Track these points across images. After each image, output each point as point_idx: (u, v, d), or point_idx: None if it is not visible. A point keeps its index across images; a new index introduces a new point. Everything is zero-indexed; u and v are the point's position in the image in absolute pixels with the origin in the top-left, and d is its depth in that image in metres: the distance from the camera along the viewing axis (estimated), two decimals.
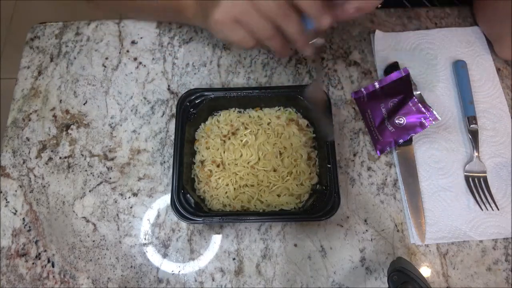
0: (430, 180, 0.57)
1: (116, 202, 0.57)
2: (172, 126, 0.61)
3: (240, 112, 0.60)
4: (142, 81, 0.64)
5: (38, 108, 0.63)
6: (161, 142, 0.60)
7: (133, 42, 0.67)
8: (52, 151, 0.60)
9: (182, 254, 0.54)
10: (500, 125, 0.60)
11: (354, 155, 0.59)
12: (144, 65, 0.65)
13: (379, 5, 0.66)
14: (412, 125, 0.55)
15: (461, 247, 0.54)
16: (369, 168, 0.58)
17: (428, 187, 0.56)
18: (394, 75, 0.58)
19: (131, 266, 0.54)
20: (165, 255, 0.54)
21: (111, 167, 0.59)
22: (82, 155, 0.60)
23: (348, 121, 0.61)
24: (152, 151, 0.60)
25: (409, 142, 0.58)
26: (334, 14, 0.42)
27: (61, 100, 0.64)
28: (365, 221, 0.55)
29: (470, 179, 0.56)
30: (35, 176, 0.59)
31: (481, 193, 0.55)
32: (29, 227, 0.56)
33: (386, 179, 0.57)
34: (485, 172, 0.56)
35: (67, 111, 0.63)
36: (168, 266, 0.54)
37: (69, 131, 0.62)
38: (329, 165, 0.51)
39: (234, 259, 0.54)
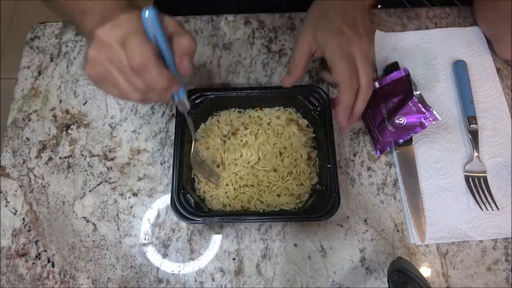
0: (430, 180, 0.57)
1: (116, 202, 0.57)
2: (172, 126, 0.61)
3: (240, 112, 0.60)
4: None
5: (38, 108, 0.63)
6: (161, 142, 0.60)
7: None
8: (52, 151, 0.60)
9: (182, 254, 0.54)
10: (500, 125, 0.60)
11: (354, 155, 0.59)
12: None
13: (379, 5, 0.66)
14: (412, 125, 0.55)
15: (461, 247, 0.54)
16: (369, 168, 0.58)
17: (428, 187, 0.56)
18: (394, 75, 0.58)
19: (131, 266, 0.54)
20: (165, 255, 0.54)
21: (111, 167, 0.59)
22: (82, 155, 0.60)
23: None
24: (152, 151, 0.60)
25: (409, 142, 0.58)
26: None
27: (61, 100, 0.64)
28: (365, 221, 0.55)
29: (470, 179, 0.56)
30: (35, 176, 0.59)
31: (481, 193, 0.55)
32: (29, 227, 0.56)
33: (386, 179, 0.57)
34: (485, 172, 0.56)
35: (67, 111, 0.63)
36: (168, 266, 0.54)
37: (69, 131, 0.62)
38: (329, 165, 0.51)
39: (234, 259, 0.54)
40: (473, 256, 0.53)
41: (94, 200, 0.57)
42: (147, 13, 0.36)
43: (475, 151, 0.57)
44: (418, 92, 0.56)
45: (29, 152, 0.60)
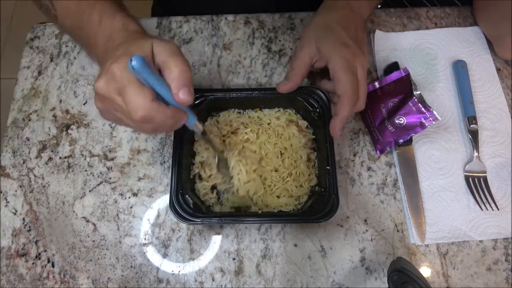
0: (430, 180, 0.57)
1: (116, 202, 0.57)
2: None
3: (239, 113, 0.60)
4: None
5: (38, 108, 0.63)
6: (161, 142, 0.60)
7: None
8: (52, 151, 0.60)
9: (182, 254, 0.54)
10: (500, 125, 0.60)
11: (354, 155, 0.59)
12: None
13: (379, 5, 0.66)
14: (412, 125, 0.55)
15: (461, 247, 0.54)
16: (369, 168, 0.58)
17: (428, 187, 0.56)
18: (394, 75, 0.58)
19: (131, 266, 0.54)
20: (165, 255, 0.54)
21: (111, 167, 0.59)
22: (82, 155, 0.60)
23: (348, 121, 0.61)
24: (152, 151, 0.60)
25: (409, 142, 0.58)
26: None
27: (61, 100, 0.64)
28: (365, 221, 0.55)
29: (470, 179, 0.56)
30: (35, 176, 0.59)
31: (481, 193, 0.55)
32: (29, 227, 0.56)
33: (386, 179, 0.57)
34: (485, 172, 0.56)
35: (67, 111, 0.63)
36: (168, 266, 0.54)
37: (69, 131, 0.62)
38: (328, 167, 0.51)
39: (234, 259, 0.54)
40: (473, 256, 0.53)
41: (94, 200, 0.57)
42: (133, 64, 0.35)
43: (475, 151, 0.57)
44: (418, 92, 0.56)
45: (29, 152, 0.60)
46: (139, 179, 0.58)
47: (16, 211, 0.57)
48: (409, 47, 0.65)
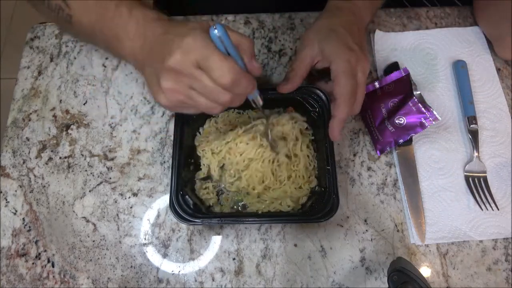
0: (430, 180, 0.57)
1: (116, 202, 0.57)
2: (172, 126, 0.61)
3: (239, 113, 0.59)
4: (142, 81, 0.64)
5: (38, 108, 0.63)
6: (161, 142, 0.60)
7: None
8: (52, 151, 0.60)
9: (182, 254, 0.54)
10: (500, 125, 0.60)
11: (354, 155, 0.59)
12: None
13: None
14: (412, 125, 0.55)
15: (461, 247, 0.54)
16: (369, 168, 0.58)
17: (428, 187, 0.56)
18: (394, 75, 0.58)
19: (131, 266, 0.54)
20: (165, 255, 0.54)
21: (111, 167, 0.59)
22: (82, 155, 0.60)
23: (348, 121, 0.61)
24: (152, 151, 0.60)
25: (409, 142, 0.58)
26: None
27: (61, 100, 0.64)
28: (365, 221, 0.55)
29: (470, 179, 0.56)
30: (35, 176, 0.59)
31: (481, 193, 0.55)
32: (29, 227, 0.56)
33: (386, 179, 0.57)
34: (485, 172, 0.56)
35: (67, 111, 0.63)
36: (168, 266, 0.54)
37: (69, 131, 0.62)
38: (328, 167, 0.51)
39: (234, 259, 0.54)
40: (473, 256, 0.53)
41: (94, 200, 0.57)
42: (216, 31, 0.37)
43: (475, 151, 0.57)
44: (418, 92, 0.56)
45: (29, 152, 0.60)
46: (139, 179, 0.58)
47: (16, 211, 0.57)
48: (409, 47, 0.65)
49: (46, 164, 0.59)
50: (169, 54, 0.39)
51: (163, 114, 0.62)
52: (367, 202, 0.56)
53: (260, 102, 0.48)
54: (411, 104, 0.55)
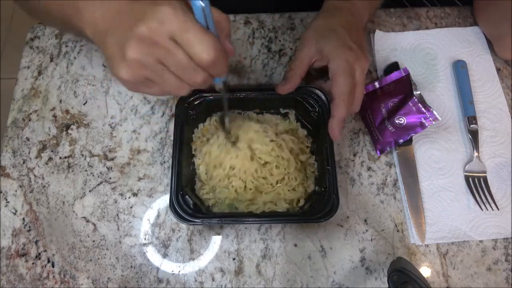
0: (430, 180, 0.57)
1: (116, 202, 0.57)
2: (172, 126, 0.61)
3: (240, 113, 0.59)
4: None
5: (38, 108, 0.63)
6: (161, 142, 0.60)
7: None
8: (52, 151, 0.60)
9: (182, 254, 0.54)
10: (500, 125, 0.60)
11: (354, 155, 0.59)
12: None
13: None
14: (412, 125, 0.55)
15: (461, 247, 0.54)
16: (369, 168, 0.58)
17: (428, 187, 0.56)
18: (394, 75, 0.58)
19: (131, 266, 0.54)
20: (165, 255, 0.54)
21: (111, 167, 0.59)
22: (82, 155, 0.60)
23: (348, 121, 0.61)
24: (152, 151, 0.60)
25: (409, 142, 0.58)
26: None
27: (61, 100, 0.64)
28: (365, 221, 0.55)
29: (470, 179, 0.56)
30: (35, 176, 0.59)
31: (481, 193, 0.55)
32: (29, 227, 0.56)
33: (386, 179, 0.57)
34: (485, 172, 0.56)
35: (67, 111, 0.63)
36: (168, 266, 0.54)
37: (69, 131, 0.62)
38: (328, 167, 0.51)
39: (234, 259, 0.54)
40: (473, 256, 0.53)
41: (94, 200, 0.57)
42: (201, 2, 0.33)
43: (475, 151, 0.57)
44: (418, 92, 0.56)
45: (29, 152, 0.60)
46: (139, 179, 0.58)
47: (16, 211, 0.57)
48: (409, 47, 0.65)
49: (46, 164, 0.59)
50: (141, 22, 0.33)
51: (163, 114, 0.62)
52: (367, 202, 0.56)
53: (223, 90, 0.44)
54: (411, 104, 0.55)
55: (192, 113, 0.56)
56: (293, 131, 0.58)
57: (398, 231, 0.55)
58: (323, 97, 0.55)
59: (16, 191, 0.58)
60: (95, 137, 0.61)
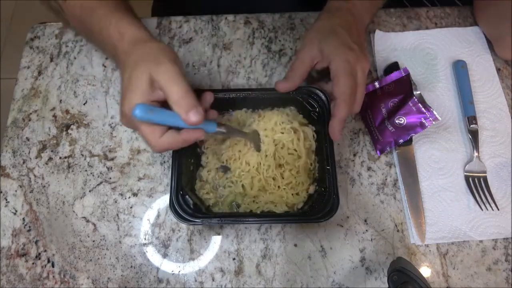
0: (430, 180, 0.57)
1: (116, 202, 0.57)
2: None
3: (246, 112, 0.59)
4: None
5: (38, 108, 0.63)
6: None
7: None
8: (52, 151, 0.60)
9: (182, 254, 0.54)
10: (500, 125, 0.60)
11: (354, 155, 0.59)
12: None
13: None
14: (412, 125, 0.55)
15: (461, 247, 0.54)
16: (369, 168, 0.58)
17: (428, 187, 0.56)
18: (394, 75, 0.58)
19: (131, 266, 0.54)
20: (165, 255, 0.54)
21: (111, 167, 0.59)
22: (82, 155, 0.60)
23: (348, 121, 0.61)
24: (152, 151, 0.60)
25: (409, 142, 0.58)
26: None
27: (61, 100, 0.64)
28: (365, 221, 0.55)
29: (470, 179, 0.56)
30: (35, 176, 0.59)
31: (481, 193, 0.55)
32: (29, 227, 0.56)
33: (386, 179, 0.57)
34: (485, 172, 0.56)
35: (67, 111, 0.63)
36: (168, 266, 0.54)
37: (69, 131, 0.62)
38: (328, 167, 0.51)
39: (234, 259, 0.54)
40: (473, 256, 0.53)
41: (94, 200, 0.57)
42: (135, 114, 0.40)
43: (475, 151, 0.57)
44: (418, 92, 0.56)
45: (29, 152, 0.60)
46: (139, 179, 0.58)
47: (16, 211, 0.57)
48: (409, 47, 0.65)
49: (46, 164, 0.59)
50: (121, 102, 0.43)
51: None
52: (367, 202, 0.56)
53: (224, 132, 0.49)
54: (411, 104, 0.55)
55: None
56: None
57: (398, 231, 0.55)
58: (323, 97, 0.55)
59: (16, 191, 0.58)
60: (95, 137, 0.61)
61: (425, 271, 0.53)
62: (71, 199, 0.57)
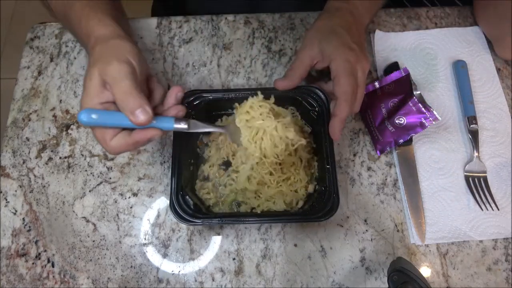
0: (430, 180, 0.57)
1: (116, 202, 0.57)
2: None
3: (260, 106, 0.59)
4: None
5: (38, 108, 0.63)
6: (161, 142, 0.60)
7: None
8: (52, 151, 0.60)
9: (182, 254, 0.54)
10: (500, 125, 0.60)
11: (354, 155, 0.59)
12: None
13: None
14: (412, 125, 0.55)
15: (461, 247, 0.54)
16: (369, 168, 0.58)
17: (428, 187, 0.56)
18: (394, 75, 0.58)
19: (131, 266, 0.54)
20: (165, 255, 0.54)
21: (111, 167, 0.59)
22: (82, 155, 0.60)
23: (348, 121, 0.61)
24: (152, 151, 0.60)
25: (409, 142, 0.58)
26: None
27: (61, 100, 0.64)
28: (365, 221, 0.55)
29: (470, 179, 0.56)
30: (35, 176, 0.59)
31: (481, 193, 0.55)
32: (29, 227, 0.56)
33: (386, 179, 0.57)
34: (485, 172, 0.56)
35: (67, 111, 0.63)
36: (168, 266, 0.54)
37: (69, 131, 0.62)
38: (328, 166, 0.51)
39: (234, 259, 0.54)
40: (473, 256, 0.53)
41: (94, 200, 0.57)
42: (80, 120, 0.40)
43: (475, 151, 0.57)
44: (418, 92, 0.56)
45: (29, 152, 0.60)
46: (139, 179, 0.58)
47: (16, 211, 0.57)
48: (409, 47, 0.65)
49: (46, 164, 0.59)
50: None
51: None
52: (367, 202, 0.56)
53: (185, 128, 0.45)
54: (411, 104, 0.55)
55: (192, 112, 0.56)
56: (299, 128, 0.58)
57: (398, 231, 0.55)
58: (322, 96, 0.55)
59: (16, 191, 0.58)
60: None
61: (425, 271, 0.53)
62: (71, 199, 0.57)
